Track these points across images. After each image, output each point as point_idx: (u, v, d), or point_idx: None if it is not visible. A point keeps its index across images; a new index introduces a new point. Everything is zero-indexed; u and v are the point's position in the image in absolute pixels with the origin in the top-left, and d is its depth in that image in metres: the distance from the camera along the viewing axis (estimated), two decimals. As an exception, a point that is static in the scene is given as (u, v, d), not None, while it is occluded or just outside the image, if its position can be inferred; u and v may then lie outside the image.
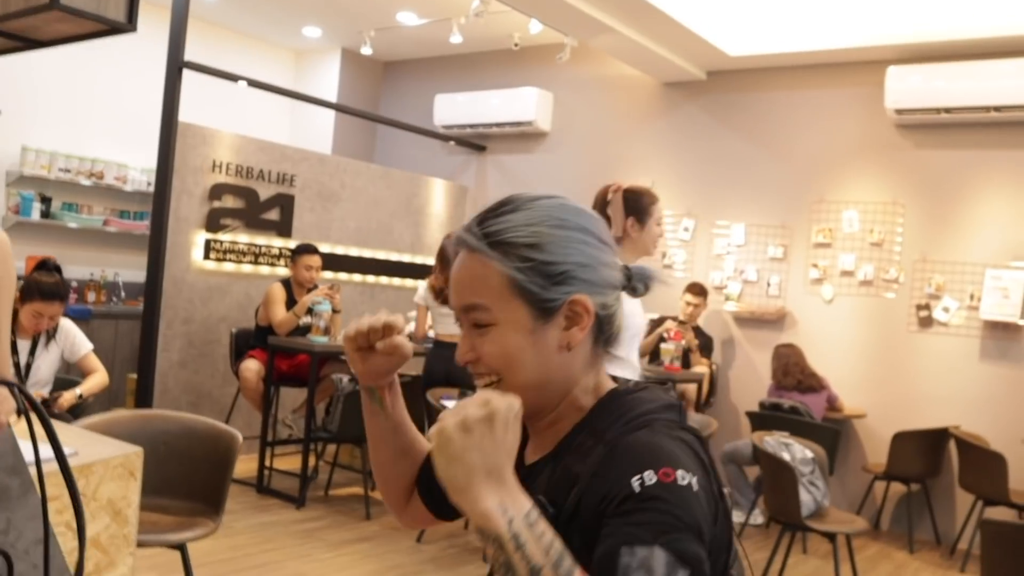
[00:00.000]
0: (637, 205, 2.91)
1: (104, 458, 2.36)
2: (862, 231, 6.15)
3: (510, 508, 0.88)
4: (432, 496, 1.26)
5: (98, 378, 4.11)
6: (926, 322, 5.88)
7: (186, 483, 3.20)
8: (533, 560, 0.85)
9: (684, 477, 0.93)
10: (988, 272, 5.64)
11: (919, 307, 5.90)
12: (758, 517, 5.73)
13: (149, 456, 3.07)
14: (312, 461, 5.55)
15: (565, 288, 1.05)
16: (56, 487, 0.90)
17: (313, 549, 4.39)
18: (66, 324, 4.13)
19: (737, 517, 5.69)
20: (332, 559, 4.28)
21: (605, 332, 1.10)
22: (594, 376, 1.10)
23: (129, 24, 3.79)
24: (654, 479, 0.92)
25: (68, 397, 3.92)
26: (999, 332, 5.64)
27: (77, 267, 6.94)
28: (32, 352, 4.02)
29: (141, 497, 2.56)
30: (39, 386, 4.05)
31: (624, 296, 1.13)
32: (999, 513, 5.36)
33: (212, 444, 3.22)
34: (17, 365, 3.98)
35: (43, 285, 3.88)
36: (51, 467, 0.90)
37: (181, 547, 2.98)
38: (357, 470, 5.88)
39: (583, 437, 1.05)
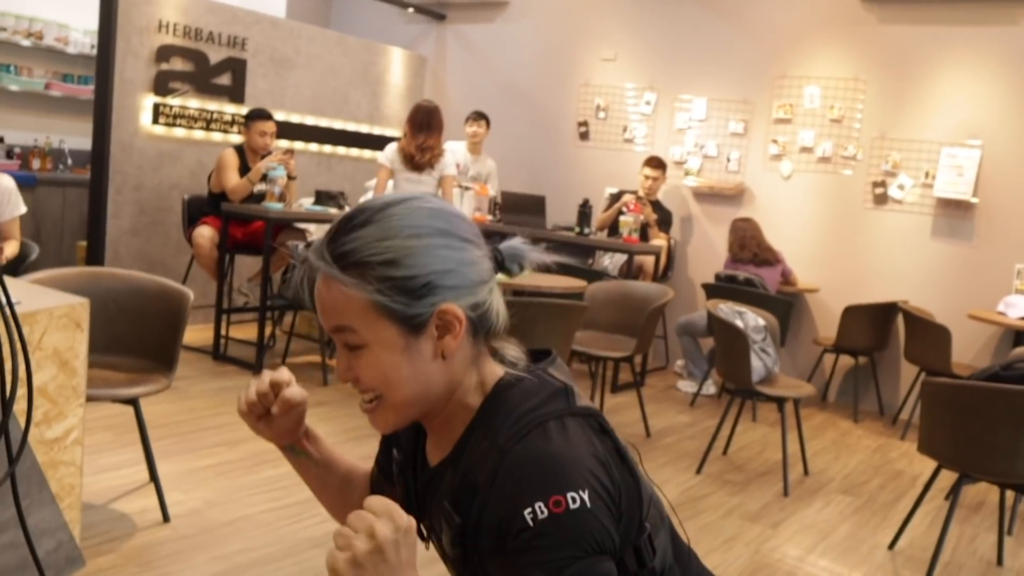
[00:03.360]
0: None
1: (48, 307, 2.30)
2: (823, 107, 6.11)
3: None
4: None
5: (11, 247, 4.02)
6: (881, 199, 5.92)
7: (137, 341, 3.17)
8: None
9: (575, 500, 0.93)
10: (944, 150, 5.66)
11: (875, 184, 5.93)
12: (710, 387, 5.86)
13: (99, 314, 3.02)
14: (269, 330, 5.52)
15: (430, 299, 1.00)
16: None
17: (269, 412, 4.41)
18: (5, 180, 4.01)
19: (690, 387, 5.82)
20: (288, 422, 4.30)
21: (484, 327, 1.06)
22: (477, 373, 1.07)
23: None
24: (545, 512, 0.93)
25: None
26: (951, 210, 5.70)
27: (19, 132, 6.70)
28: None
29: (91, 355, 2.52)
30: None
31: None
32: (940, 384, 5.52)
33: (163, 302, 3.18)
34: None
35: None
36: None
37: (133, 402, 2.96)
38: (314, 339, 5.89)
39: (477, 439, 1.04)
